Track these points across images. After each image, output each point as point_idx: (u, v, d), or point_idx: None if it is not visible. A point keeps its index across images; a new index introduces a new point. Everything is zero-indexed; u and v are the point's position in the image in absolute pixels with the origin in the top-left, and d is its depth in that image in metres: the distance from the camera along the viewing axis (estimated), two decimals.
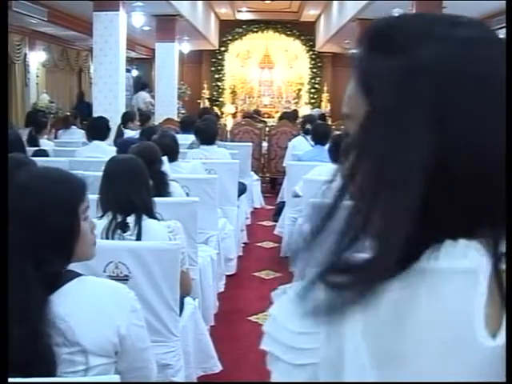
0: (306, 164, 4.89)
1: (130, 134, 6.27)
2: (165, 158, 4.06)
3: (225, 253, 4.33)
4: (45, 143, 5.61)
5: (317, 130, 5.39)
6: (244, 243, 5.43)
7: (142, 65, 17.15)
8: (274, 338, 0.64)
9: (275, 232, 5.61)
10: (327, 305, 0.54)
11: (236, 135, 8.56)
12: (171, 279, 2.20)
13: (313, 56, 17.09)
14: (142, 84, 13.66)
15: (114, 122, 6.83)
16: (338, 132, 5.65)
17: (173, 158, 4.01)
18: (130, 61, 15.47)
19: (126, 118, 7.00)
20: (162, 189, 2.99)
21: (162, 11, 10.26)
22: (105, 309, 1.35)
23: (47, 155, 4.96)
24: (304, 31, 16.86)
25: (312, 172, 4.28)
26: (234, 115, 15.35)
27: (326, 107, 15.71)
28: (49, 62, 12.28)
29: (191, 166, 4.17)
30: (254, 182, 6.98)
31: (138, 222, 2.26)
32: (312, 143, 5.76)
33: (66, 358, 1.26)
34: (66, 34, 11.43)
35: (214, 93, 17.01)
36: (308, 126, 6.75)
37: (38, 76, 11.82)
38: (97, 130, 5.02)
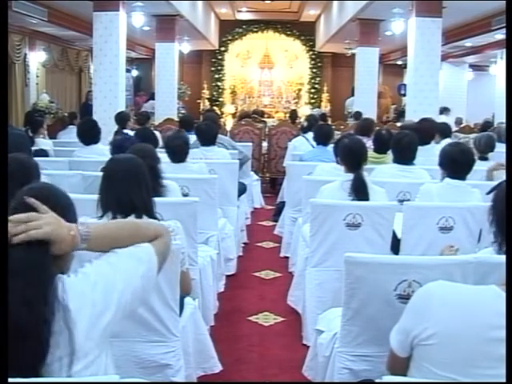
0: (306, 164, 4.90)
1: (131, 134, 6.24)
2: (162, 155, 4.12)
3: (225, 253, 4.33)
4: (41, 142, 5.57)
5: (320, 131, 5.40)
6: (244, 243, 5.43)
7: (142, 65, 17.14)
8: None
9: (275, 232, 5.61)
10: None
11: (236, 135, 8.55)
12: (171, 279, 2.19)
13: (313, 56, 17.10)
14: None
15: (114, 123, 6.84)
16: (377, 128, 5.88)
17: (181, 159, 4.05)
18: (130, 61, 15.47)
19: (124, 118, 6.95)
20: (155, 184, 2.98)
21: (162, 11, 10.27)
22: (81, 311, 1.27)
23: (47, 155, 4.95)
24: (304, 31, 16.86)
25: (315, 171, 4.32)
26: (234, 115, 15.35)
27: (325, 107, 15.71)
28: (49, 62, 12.27)
29: (198, 167, 4.19)
30: (253, 182, 6.99)
31: None
32: (312, 143, 5.76)
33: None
34: (66, 34, 11.42)
35: (214, 93, 17.02)
36: (303, 123, 6.80)
37: (37, 76, 11.81)
38: (87, 133, 4.95)
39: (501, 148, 4.99)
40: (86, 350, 1.26)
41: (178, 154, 4.08)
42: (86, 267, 1.35)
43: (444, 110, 10.32)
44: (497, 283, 1.37)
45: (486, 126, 8.20)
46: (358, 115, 9.65)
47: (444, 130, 5.72)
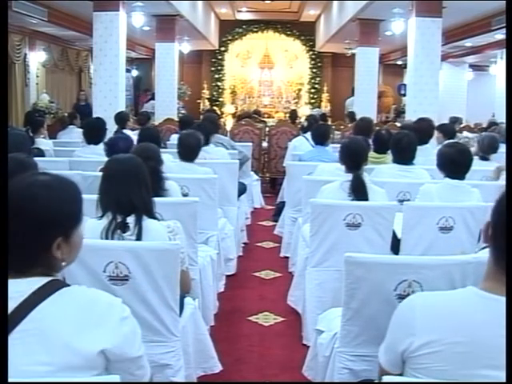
0: (306, 164, 4.90)
1: (131, 134, 6.23)
2: (167, 156, 4.10)
3: (225, 253, 4.33)
4: (42, 142, 5.57)
5: (318, 131, 5.40)
6: (244, 243, 5.42)
7: (142, 65, 17.14)
8: None
9: (275, 232, 5.61)
10: None
11: (236, 135, 8.54)
12: (171, 279, 2.20)
13: (313, 56, 17.10)
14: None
15: (114, 123, 6.83)
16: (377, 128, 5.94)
17: (191, 158, 4.09)
18: (130, 61, 15.47)
19: (124, 119, 6.93)
20: (157, 187, 2.98)
21: (162, 11, 10.27)
22: (83, 324, 1.29)
23: (43, 155, 4.93)
24: (304, 31, 16.86)
25: (315, 171, 4.32)
26: (234, 115, 15.35)
27: (325, 107, 15.71)
28: (49, 62, 12.27)
29: (203, 171, 4.17)
30: (253, 182, 6.98)
31: (138, 222, 2.25)
32: (312, 143, 5.76)
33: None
34: (66, 33, 11.43)
35: (214, 93, 17.02)
36: (303, 123, 6.80)
37: (37, 76, 11.81)
38: (93, 132, 4.96)
39: (501, 148, 4.99)
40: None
41: (190, 152, 4.09)
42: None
43: (456, 121, 10.18)
44: (473, 284, 1.37)
45: (491, 126, 8.20)
46: (351, 115, 9.62)
47: (449, 131, 5.69)
